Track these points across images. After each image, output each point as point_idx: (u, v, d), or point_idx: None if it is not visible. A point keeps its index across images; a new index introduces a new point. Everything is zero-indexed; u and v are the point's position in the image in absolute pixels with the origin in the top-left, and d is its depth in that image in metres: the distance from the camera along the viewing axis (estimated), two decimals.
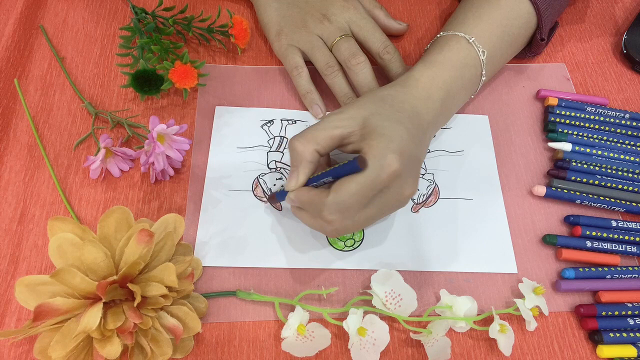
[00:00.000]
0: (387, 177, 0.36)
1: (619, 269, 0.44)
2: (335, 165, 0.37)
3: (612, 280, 0.44)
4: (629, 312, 0.43)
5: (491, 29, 0.47)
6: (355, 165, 0.35)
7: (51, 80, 0.51)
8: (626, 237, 0.46)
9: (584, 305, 0.43)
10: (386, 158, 0.36)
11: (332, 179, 0.37)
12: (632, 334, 0.42)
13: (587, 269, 0.44)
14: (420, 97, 0.43)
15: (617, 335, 0.42)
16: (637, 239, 0.46)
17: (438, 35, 0.48)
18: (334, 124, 0.39)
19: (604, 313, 0.42)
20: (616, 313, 0.42)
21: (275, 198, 0.43)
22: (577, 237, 0.45)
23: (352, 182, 0.36)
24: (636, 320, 0.42)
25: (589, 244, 0.45)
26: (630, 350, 0.41)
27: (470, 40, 0.45)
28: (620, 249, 0.45)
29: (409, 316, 0.41)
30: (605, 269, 0.44)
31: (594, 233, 0.45)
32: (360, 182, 0.35)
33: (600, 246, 0.45)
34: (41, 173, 0.46)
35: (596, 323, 0.42)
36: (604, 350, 0.41)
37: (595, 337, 0.42)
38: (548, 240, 0.45)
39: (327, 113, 0.49)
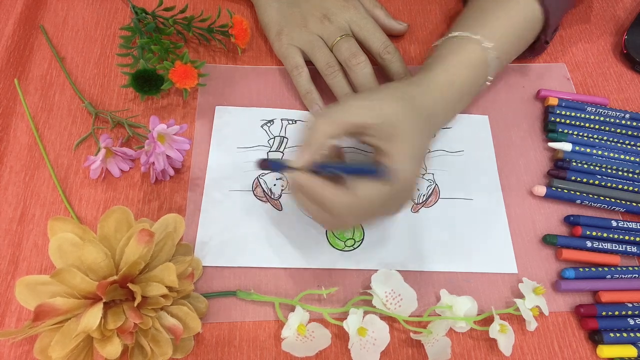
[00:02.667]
0: (410, 187, 0.37)
1: (619, 269, 0.44)
2: (353, 165, 0.36)
3: (612, 280, 0.44)
4: (629, 312, 0.43)
5: (507, 33, 0.47)
6: (380, 172, 0.35)
7: (51, 80, 0.51)
8: (626, 237, 0.46)
9: (584, 305, 0.43)
10: (412, 169, 0.37)
11: (344, 174, 0.37)
12: (632, 334, 0.42)
13: (587, 269, 0.44)
14: (437, 100, 0.43)
15: (617, 335, 0.42)
16: (637, 239, 0.46)
17: (451, 35, 0.47)
18: (356, 111, 0.37)
19: (604, 313, 0.42)
20: (616, 313, 0.42)
21: (267, 164, 0.39)
22: (577, 237, 0.45)
23: (374, 190, 0.36)
24: (636, 320, 0.42)
25: (589, 244, 0.45)
26: (630, 350, 0.41)
27: (489, 46, 0.45)
28: (620, 249, 0.45)
29: (409, 316, 0.41)
30: (605, 269, 0.44)
31: (594, 233, 0.45)
32: (384, 192, 0.36)
33: (600, 246, 0.45)
34: (41, 173, 0.46)
35: (596, 323, 0.42)
36: (604, 350, 0.41)
37: (596, 337, 0.42)
38: (548, 240, 0.45)
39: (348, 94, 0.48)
